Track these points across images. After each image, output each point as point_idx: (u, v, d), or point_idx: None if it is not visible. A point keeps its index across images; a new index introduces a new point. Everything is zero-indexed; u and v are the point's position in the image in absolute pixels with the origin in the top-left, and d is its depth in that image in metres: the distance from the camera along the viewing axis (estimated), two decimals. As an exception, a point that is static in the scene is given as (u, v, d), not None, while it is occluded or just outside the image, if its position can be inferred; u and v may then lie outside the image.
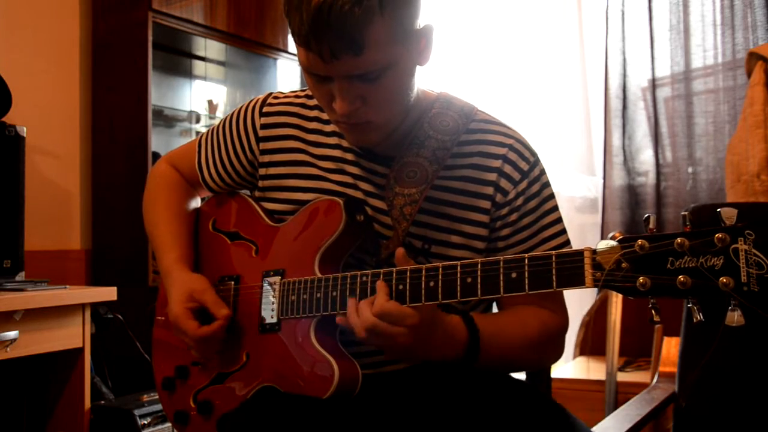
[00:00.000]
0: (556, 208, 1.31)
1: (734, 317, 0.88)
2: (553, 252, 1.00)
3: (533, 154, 1.31)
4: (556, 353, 1.35)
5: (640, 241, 0.93)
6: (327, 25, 1.07)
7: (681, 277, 0.90)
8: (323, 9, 1.06)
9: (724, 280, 0.87)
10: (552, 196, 1.32)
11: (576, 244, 1.09)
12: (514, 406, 1.19)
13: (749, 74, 2.47)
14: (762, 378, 1.67)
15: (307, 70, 1.17)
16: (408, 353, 1.14)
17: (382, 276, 1.14)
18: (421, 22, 1.18)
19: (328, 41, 1.09)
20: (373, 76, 1.14)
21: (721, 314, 0.89)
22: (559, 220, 1.31)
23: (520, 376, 1.39)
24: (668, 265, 0.91)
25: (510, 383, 1.29)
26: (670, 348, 2.10)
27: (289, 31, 1.15)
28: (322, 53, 1.11)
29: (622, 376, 2.63)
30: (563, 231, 1.31)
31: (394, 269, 1.13)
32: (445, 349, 1.17)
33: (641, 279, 0.93)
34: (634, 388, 2.30)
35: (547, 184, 1.31)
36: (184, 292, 1.33)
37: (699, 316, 0.91)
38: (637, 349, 2.90)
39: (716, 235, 0.88)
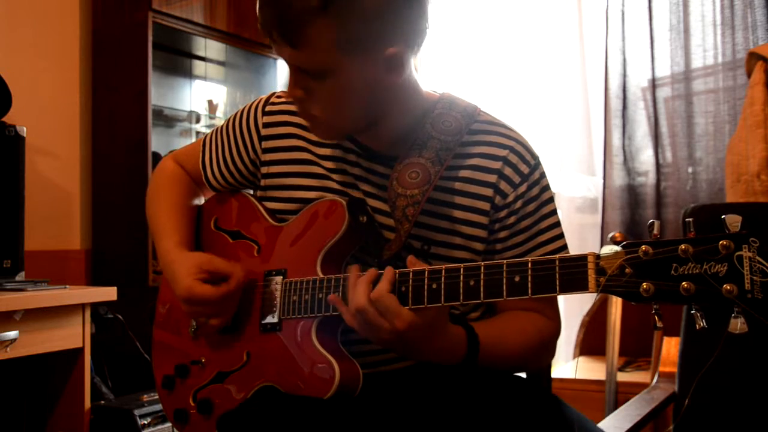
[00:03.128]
0: (554, 212, 1.31)
1: (737, 324, 0.88)
2: (557, 256, 1.00)
3: (534, 157, 1.31)
4: (548, 357, 1.37)
5: (644, 247, 0.93)
6: (268, 12, 1.13)
7: (684, 284, 0.90)
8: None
9: (728, 287, 0.87)
10: (551, 199, 1.32)
11: (576, 244, 1.09)
12: (514, 405, 1.19)
13: (749, 74, 2.47)
14: (762, 381, 1.67)
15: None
16: (394, 349, 1.15)
17: None
18: (391, 45, 1.16)
19: (268, 27, 1.14)
20: (312, 73, 1.16)
21: (723, 319, 0.89)
22: (557, 224, 1.31)
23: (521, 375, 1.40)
24: (672, 272, 0.91)
25: (510, 382, 1.29)
26: (670, 348, 2.10)
27: None
28: (266, 35, 1.16)
29: (622, 376, 2.63)
30: (560, 235, 1.31)
31: (397, 270, 1.13)
32: (440, 356, 1.17)
33: (644, 285, 0.92)
34: (634, 388, 2.30)
35: (546, 188, 1.31)
36: (191, 266, 1.31)
37: (702, 323, 0.91)
38: (637, 349, 2.90)
39: (720, 242, 0.88)
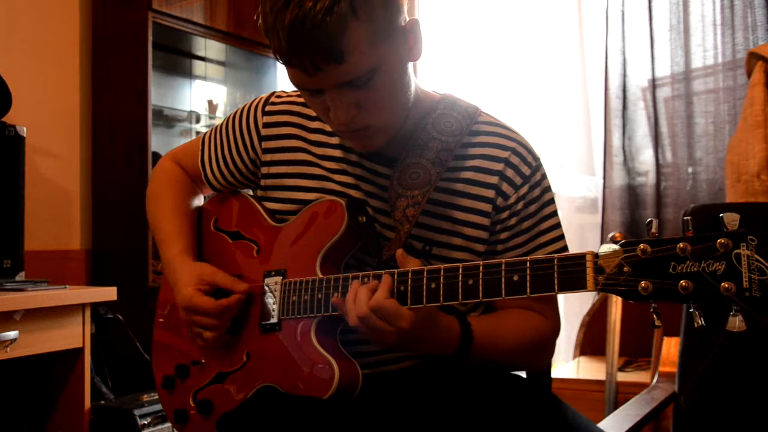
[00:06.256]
0: (555, 213, 1.31)
1: (735, 323, 0.88)
2: (555, 255, 1.01)
3: (535, 158, 1.31)
4: (546, 358, 1.37)
5: (642, 246, 0.93)
6: (303, 40, 1.08)
7: (683, 282, 0.90)
8: (296, 24, 1.07)
9: (726, 286, 0.87)
10: (552, 200, 1.32)
11: (576, 244, 1.09)
12: (514, 405, 1.19)
13: (749, 74, 2.47)
14: (762, 380, 1.67)
15: (298, 86, 1.18)
16: (394, 348, 1.16)
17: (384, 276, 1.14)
18: (404, 18, 1.18)
19: (308, 55, 1.10)
20: (361, 81, 1.14)
21: (722, 317, 0.89)
22: (557, 225, 1.31)
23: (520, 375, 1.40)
24: (670, 270, 0.91)
25: (510, 381, 1.29)
26: (670, 348, 2.10)
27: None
28: (304, 68, 1.12)
29: (622, 376, 2.63)
30: (561, 237, 1.31)
31: (396, 270, 1.13)
32: (435, 347, 1.18)
33: (643, 283, 0.92)
34: (634, 388, 2.30)
35: (547, 189, 1.31)
36: (193, 276, 1.33)
37: (700, 321, 0.91)
38: (637, 349, 2.90)
39: (718, 240, 0.88)
